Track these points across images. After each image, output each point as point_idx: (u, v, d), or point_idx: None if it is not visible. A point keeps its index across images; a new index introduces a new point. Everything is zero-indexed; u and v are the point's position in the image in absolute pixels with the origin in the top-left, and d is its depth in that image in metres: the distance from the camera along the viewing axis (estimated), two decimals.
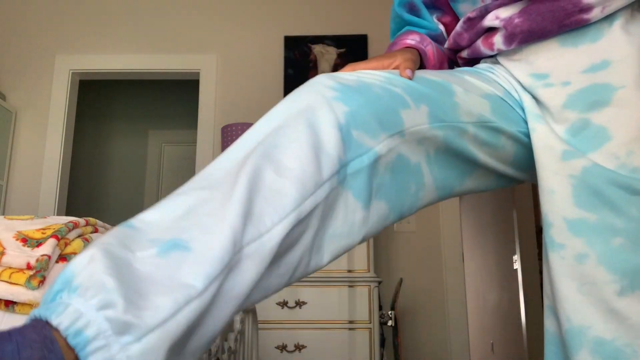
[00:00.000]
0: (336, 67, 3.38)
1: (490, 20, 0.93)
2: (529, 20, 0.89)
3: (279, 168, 0.65)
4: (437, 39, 1.07)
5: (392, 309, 2.72)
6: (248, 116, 3.31)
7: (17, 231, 0.96)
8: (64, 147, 3.37)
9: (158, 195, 4.96)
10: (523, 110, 0.92)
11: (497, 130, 0.88)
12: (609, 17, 0.87)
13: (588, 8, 0.85)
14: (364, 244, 2.62)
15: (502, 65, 0.96)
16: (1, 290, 0.86)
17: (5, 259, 0.89)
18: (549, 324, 0.88)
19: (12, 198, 3.29)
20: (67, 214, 3.98)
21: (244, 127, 3.05)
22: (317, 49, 3.42)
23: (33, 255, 0.89)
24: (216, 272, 0.57)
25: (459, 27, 1.00)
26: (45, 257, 0.89)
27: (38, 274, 0.87)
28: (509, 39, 0.92)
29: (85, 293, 0.53)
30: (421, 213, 3.20)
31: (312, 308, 2.56)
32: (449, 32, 1.10)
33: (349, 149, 0.70)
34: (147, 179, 4.99)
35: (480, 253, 5.03)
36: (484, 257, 4.95)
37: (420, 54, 0.99)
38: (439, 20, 1.10)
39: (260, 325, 2.46)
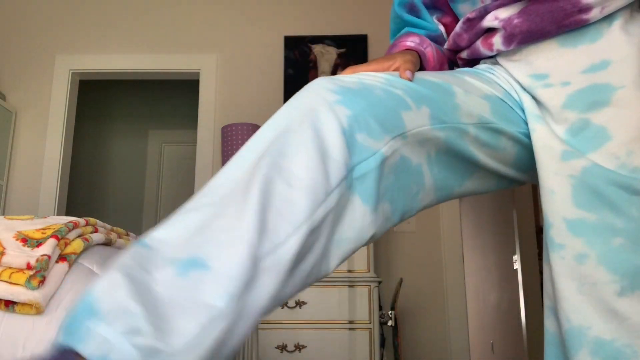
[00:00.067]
0: (336, 67, 3.38)
1: (489, 21, 0.93)
2: (528, 21, 0.89)
3: (289, 178, 0.65)
4: (437, 40, 1.07)
5: (392, 309, 2.72)
6: (248, 116, 3.31)
7: (17, 231, 0.96)
8: (64, 147, 3.36)
9: (158, 195, 4.96)
10: (523, 111, 0.92)
11: (497, 131, 0.88)
12: (608, 18, 0.87)
13: (587, 8, 0.85)
14: None
15: (501, 66, 0.96)
16: (1, 290, 0.86)
17: (5, 259, 0.89)
18: (549, 324, 0.88)
19: (12, 198, 3.29)
20: (67, 214, 3.98)
21: (244, 127, 3.05)
22: (317, 49, 3.42)
23: (33, 255, 0.89)
24: (236, 290, 0.57)
25: (458, 27, 1.00)
26: (45, 257, 0.89)
27: (38, 274, 0.87)
28: (508, 39, 0.92)
29: (111, 320, 0.53)
30: (421, 213, 3.19)
31: (312, 308, 2.56)
32: (449, 32, 1.10)
33: (354, 153, 0.70)
34: (147, 179, 4.99)
35: (480, 253, 5.03)
36: (484, 257, 4.95)
37: (419, 56, 0.99)
38: (439, 20, 1.10)
39: (260, 325, 2.46)
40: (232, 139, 3.04)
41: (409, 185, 0.79)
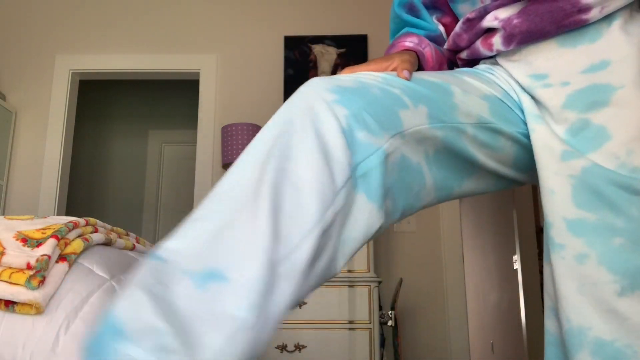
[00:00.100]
0: (336, 67, 3.38)
1: (489, 21, 0.93)
2: (528, 21, 0.89)
3: (296, 182, 0.65)
4: (437, 40, 1.07)
5: (392, 309, 2.72)
6: (248, 116, 3.31)
7: (17, 231, 0.96)
8: (64, 147, 3.37)
9: (158, 195, 4.96)
10: (522, 111, 0.92)
11: (496, 131, 0.88)
12: (608, 18, 0.87)
13: (586, 8, 0.85)
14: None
15: (501, 66, 0.96)
16: (1, 290, 0.86)
17: (5, 259, 0.89)
18: (550, 324, 0.87)
19: (12, 198, 3.29)
20: (67, 214, 3.98)
21: (244, 127, 3.05)
22: (317, 49, 3.42)
23: (33, 255, 0.89)
24: (257, 299, 0.58)
25: (458, 28, 1.00)
26: (45, 257, 0.89)
27: (38, 274, 0.87)
28: (508, 39, 0.92)
29: (138, 339, 0.53)
30: (421, 213, 3.20)
31: (312, 308, 2.56)
32: (448, 32, 1.09)
33: (356, 152, 0.70)
34: (147, 179, 4.99)
35: (480, 253, 5.03)
36: (484, 257, 4.95)
37: (418, 56, 0.99)
38: (438, 21, 1.10)
39: None
40: (232, 139, 3.04)
41: (411, 184, 0.79)
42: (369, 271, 2.62)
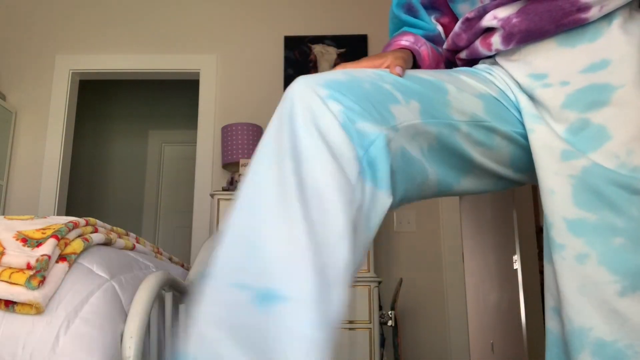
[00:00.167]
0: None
1: (488, 21, 0.93)
2: (527, 20, 0.89)
3: (316, 187, 0.66)
4: (435, 40, 1.07)
5: (392, 309, 2.71)
6: (248, 116, 3.31)
7: (17, 231, 0.96)
8: (64, 147, 3.37)
9: (158, 195, 4.96)
10: (519, 111, 0.92)
11: (490, 130, 0.88)
12: (608, 17, 0.87)
13: (586, 7, 0.85)
14: None
15: (500, 65, 0.96)
16: (1, 290, 0.86)
17: (5, 259, 0.89)
18: (552, 325, 0.87)
19: (12, 198, 3.29)
20: (67, 214, 3.98)
21: (244, 127, 3.05)
22: (317, 49, 3.42)
23: (33, 255, 0.89)
24: (319, 313, 0.60)
25: (457, 27, 1.00)
26: (45, 257, 0.89)
27: (38, 274, 0.87)
28: (507, 39, 0.91)
29: None
30: (421, 213, 3.20)
31: None
32: (447, 33, 1.09)
33: (358, 144, 0.71)
34: (147, 179, 4.99)
35: (480, 253, 5.03)
36: (484, 257, 4.95)
37: (414, 55, 0.99)
38: (437, 21, 1.10)
39: None
40: (232, 139, 3.04)
41: (414, 174, 0.79)
42: (369, 271, 2.62)
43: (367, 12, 3.47)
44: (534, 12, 0.88)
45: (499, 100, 0.91)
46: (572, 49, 0.88)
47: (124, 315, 0.90)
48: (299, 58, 3.40)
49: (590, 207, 0.81)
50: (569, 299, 0.81)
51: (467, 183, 0.90)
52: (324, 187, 0.66)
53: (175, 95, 5.08)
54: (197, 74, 3.45)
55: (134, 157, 5.03)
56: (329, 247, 0.63)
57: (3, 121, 3.27)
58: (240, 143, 3.03)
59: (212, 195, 2.79)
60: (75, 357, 0.82)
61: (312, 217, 0.64)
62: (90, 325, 0.85)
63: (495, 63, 0.97)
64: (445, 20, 1.10)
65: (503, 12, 0.91)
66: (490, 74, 0.95)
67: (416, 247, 3.16)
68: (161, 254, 1.36)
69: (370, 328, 2.54)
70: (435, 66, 1.04)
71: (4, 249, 0.91)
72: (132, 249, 1.19)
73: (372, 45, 3.41)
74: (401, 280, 2.85)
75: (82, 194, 4.88)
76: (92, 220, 1.09)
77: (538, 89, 0.90)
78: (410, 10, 1.09)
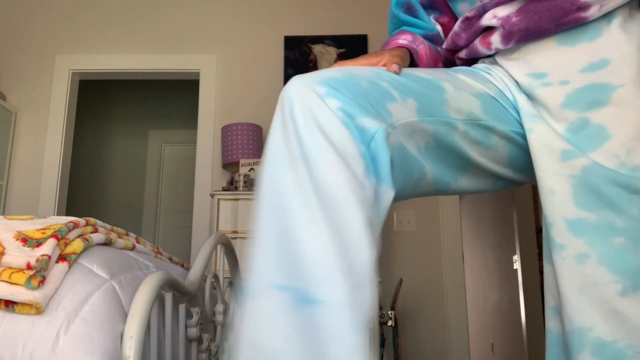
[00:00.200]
0: None
1: (487, 20, 0.93)
2: (526, 19, 0.89)
3: (330, 190, 0.67)
4: (434, 39, 1.07)
5: (392, 309, 2.71)
6: (248, 116, 3.31)
7: (17, 231, 0.96)
8: (64, 147, 3.37)
9: (158, 195, 4.96)
10: (517, 111, 0.92)
11: (487, 129, 0.88)
12: (607, 16, 0.86)
13: (585, 6, 0.85)
14: None
15: (500, 65, 0.96)
16: (1, 290, 0.86)
17: (5, 259, 0.89)
18: (552, 325, 0.87)
19: (12, 198, 3.29)
20: (67, 214, 3.98)
21: (244, 127, 3.05)
22: (317, 49, 3.42)
23: (33, 255, 0.89)
24: (356, 318, 0.63)
25: (456, 27, 1.00)
26: (45, 257, 0.89)
27: (38, 274, 0.87)
28: (507, 37, 0.91)
29: None
30: (421, 213, 3.20)
31: None
32: (447, 32, 1.09)
33: (360, 141, 0.71)
34: (147, 179, 4.99)
35: (480, 253, 5.03)
36: (484, 257, 4.95)
37: (411, 53, 0.99)
38: (436, 20, 1.10)
39: None
40: (232, 139, 3.04)
41: (411, 171, 0.79)
42: None
43: (367, 12, 3.47)
44: (534, 11, 0.88)
45: (496, 100, 0.91)
46: (571, 48, 0.88)
47: (124, 315, 0.90)
48: (299, 58, 3.40)
49: (590, 207, 0.81)
50: (569, 299, 0.81)
51: (464, 182, 0.90)
52: (336, 188, 0.67)
53: (175, 95, 5.08)
54: (197, 74, 3.45)
55: (134, 157, 5.03)
56: (352, 249, 0.65)
57: (3, 121, 3.27)
58: (240, 143, 3.03)
59: (212, 195, 2.79)
60: (75, 357, 0.82)
61: (333, 219, 0.66)
62: (90, 325, 0.85)
63: (495, 62, 0.97)
64: (445, 19, 1.11)
65: (502, 11, 0.91)
66: (488, 73, 0.95)
67: (416, 247, 3.16)
68: (161, 254, 1.36)
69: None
70: (434, 65, 1.04)
71: (4, 249, 0.91)
72: (132, 249, 1.19)
73: (372, 45, 3.41)
74: (401, 280, 2.85)
75: (82, 194, 4.87)
76: (92, 220, 1.09)
77: (538, 88, 0.89)
78: (410, 10, 1.09)
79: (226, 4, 3.54)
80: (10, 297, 0.86)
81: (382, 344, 2.66)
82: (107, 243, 1.09)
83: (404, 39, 1.01)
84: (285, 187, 0.68)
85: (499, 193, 4.45)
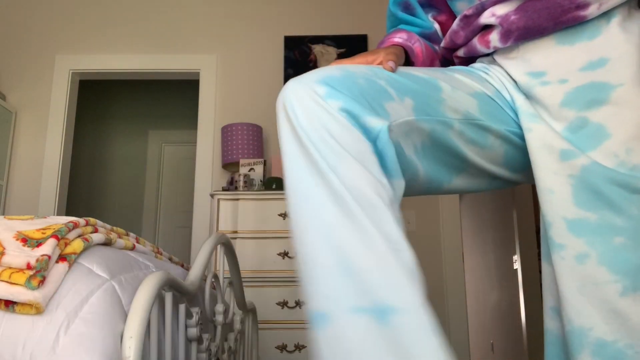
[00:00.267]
0: None
1: (486, 18, 0.93)
2: (525, 17, 0.89)
3: (362, 193, 0.68)
4: (431, 38, 1.07)
5: None
6: (248, 116, 3.31)
7: (17, 231, 0.96)
8: (64, 147, 3.37)
9: (158, 195, 4.96)
10: (514, 111, 0.92)
11: (484, 129, 0.88)
12: (606, 15, 0.86)
13: (584, 5, 0.85)
14: None
15: (498, 63, 0.96)
16: (1, 290, 0.86)
17: (5, 259, 0.89)
18: (551, 324, 0.87)
19: (12, 198, 3.29)
20: (67, 214, 3.98)
21: (244, 127, 3.05)
22: (317, 49, 3.42)
23: (33, 255, 0.89)
24: (429, 318, 0.65)
25: (455, 25, 1.00)
26: (45, 257, 0.89)
27: (38, 274, 0.87)
28: (505, 36, 0.91)
29: None
30: (421, 213, 3.20)
31: None
32: (445, 31, 1.10)
33: (368, 139, 0.72)
34: (147, 179, 4.99)
35: (480, 253, 5.03)
36: (484, 257, 4.95)
37: (407, 52, 0.99)
38: (434, 19, 1.11)
39: (260, 325, 2.46)
40: (232, 139, 3.04)
41: (405, 171, 0.80)
42: None
43: (367, 12, 3.47)
44: (533, 9, 0.88)
45: (493, 100, 0.91)
46: (570, 46, 0.88)
47: (124, 315, 0.90)
48: (299, 58, 3.40)
49: (590, 206, 0.81)
50: (568, 299, 0.81)
51: (459, 181, 0.90)
52: (366, 191, 0.68)
53: (175, 95, 5.08)
54: (197, 74, 3.45)
55: (134, 157, 5.03)
56: (400, 251, 0.67)
57: (3, 121, 3.27)
58: (240, 143, 3.03)
59: (212, 195, 2.79)
60: (75, 357, 0.82)
61: (375, 223, 0.66)
62: (90, 325, 0.85)
63: (493, 61, 0.97)
64: (443, 18, 1.11)
65: (501, 10, 0.91)
66: (486, 73, 0.95)
67: (416, 247, 3.14)
68: (161, 254, 1.36)
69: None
70: (430, 63, 1.04)
71: (4, 249, 0.91)
72: (132, 249, 1.19)
73: (372, 45, 3.41)
74: None
75: (82, 194, 4.87)
76: (92, 220, 1.09)
77: (536, 87, 0.89)
78: (407, 8, 1.10)
79: (226, 4, 3.54)
80: (10, 297, 0.86)
81: None
82: (107, 243, 1.09)
83: (399, 38, 1.01)
84: (320, 203, 0.68)
85: (499, 193, 4.45)
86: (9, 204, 3.28)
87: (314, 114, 0.71)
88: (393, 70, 0.83)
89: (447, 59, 1.09)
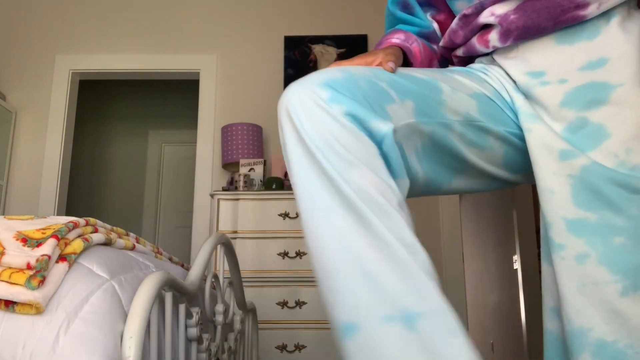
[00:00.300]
0: None
1: (485, 17, 0.93)
2: (525, 17, 0.89)
3: (373, 201, 0.68)
4: (429, 37, 1.07)
5: None
6: (248, 116, 3.31)
7: (17, 231, 0.96)
8: (64, 147, 3.37)
9: (158, 195, 4.96)
10: (514, 112, 0.92)
11: (483, 130, 0.88)
12: (606, 15, 0.86)
13: (584, 4, 0.85)
14: None
15: (497, 63, 0.96)
16: (1, 290, 0.86)
17: (5, 259, 0.89)
18: (550, 324, 0.87)
19: (12, 198, 3.29)
20: (67, 214, 3.98)
21: (244, 127, 3.05)
22: (317, 49, 3.42)
23: (33, 255, 0.89)
24: (454, 319, 0.67)
25: (454, 24, 1.00)
26: (45, 257, 0.89)
27: (38, 274, 0.87)
28: (505, 35, 0.91)
29: None
30: (421, 213, 3.20)
31: (312, 308, 2.56)
32: (443, 30, 1.09)
33: (374, 142, 0.72)
34: (147, 179, 4.99)
35: (480, 253, 5.03)
36: (484, 257, 4.95)
37: (405, 52, 0.99)
38: (433, 18, 1.10)
39: (260, 325, 2.46)
40: (232, 139, 3.04)
41: (406, 172, 0.80)
42: None
43: (367, 12, 3.47)
44: (532, 9, 0.88)
45: (493, 101, 0.91)
46: (570, 46, 0.88)
47: (124, 315, 0.90)
48: (299, 58, 3.40)
49: (589, 206, 0.81)
50: (568, 299, 0.81)
51: (458, 182, 0.91)
52: (378, 197, 0.68)
53: (175, 95, 5.08)
54: (197, 74, 3.45)
55: (134, 157, 5.03)
56: (416, 254, 0.68)
57: (3, 121, 3.27)
58: (240, 143, 3.03)
59: (212, 195, 2.79)
60: (75, 357, 0.82)
61: (390, 229, 0.67)
62: (90, 325, 0.85)
63: (492, 61, 0.97)
64: (442, 17, 1.11)
65: (501, 9, 0.91)
66: (485, 73, 0.95)
67: None
68: (161, 254, 1.36)
69: None
70: (428, 63, 1.04)
71: (4, 249, 0.91)
72: (132, 249, 1.19)
73: (372, 45, 3.41)
74: None
75: (82, 194, 4.87)
76: (92, 220, 1.09)
77: (536, 87, 0.89)
78: (406, 8, 1.10)
79: (226, 4, 3.54)
80: (10, 297, 0.86)
81: None
82: (107, 243, 1.09)
83: (396, 38, 1.01)
84: (334, 214, 0.69)
85: (499, 193, 4.45)
86: (9, 204, 3.28)
87: (319, 119, 0.70)
88: (393, 71, 0.83)
89: (445, 58, 1.09)
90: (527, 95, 0.91)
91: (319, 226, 0.69)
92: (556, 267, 0.83)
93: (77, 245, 0.97)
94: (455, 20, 1.00)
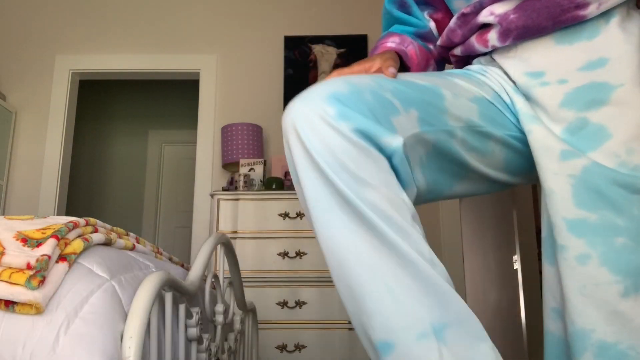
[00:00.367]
0: (336, 67, 3.37)
1: (485, 16, 0.93)
2: (524, 16, 0.88)
3: (390, 218, 0.70)
4: (426, 37, 1.07)
5: None
6: (248, 116, 3.31)
7: (17, 231, 0.96)
8: (64, 147, 3.37)
9: (158, 195, 4.96)
10: (513, 114, 0.91)
11: (484, 135, 0.88)
12: (606, 15, 0.86)
13: (584, 4, 0.85)
14: None
15: (496, 63, 0.95)
16: (1, 290, 0.86)
17: (5, 259, 0.89)
18: (552, 326, 0.87)
19: (12, 198, 3.29)
20: (67, 214, 3.98)
21: (244, 127, 3.05)
22: (317, 49, 3.42)
23: (33, 255, 0.89)
24: (481, 327, 0.71)
25: (452, 23, 1.00)
26: (45, 257, 0.89)
27: (38, 274, 0.87)
28: (504, 35, 0.91)
29: None
30: (421, 213, 3.19)
31: (312, 308, 2.56)
32: (441, 29, 1.09)
33: (386, 154, 0.73)
34: (147, 179, 4.99)
35: (480, 253, 5.03)
36: (484, 257, 4.95)
37: (401, 56, 0.99)
38: (430, 16, 1.10)
39: (260, 325, 2.46)
40: (232, 139, 3.04)
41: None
42: None
43: (367, 12, 3.47)
44: (532, 8, 0.88)
45: (493, 104, 0.91)
46: (569, 46, 0.87)
47: (124, 315, 0.90)
48: (299, 58, 3.40)
49: (590, 207, 0.81)
50: (570, 300, 0.81)
51: (459, 187, 0.91)
52: (393, 214, 0.70)
53: (175, 95, 5.08)
54: (197, 74, 3.45)
55: (134, 157, 5.03)
56: (436, 266, 0.71)
57: (3, 121, 3.27)
58: (240, 143, 3.03)
59: (212, 195, 2.79)
60: (75, 357, 0.82)
61: (410, 245, 0.69)
62: (90, 325, 0.85)
63: (491, 60, 0.96)
64: (439, 16, 1.10)
65: (500, 8, 0.91)
66: (484, 75, 0.95)
67: None
68: (161, 254, 1.36)
69: None
70: (425, 64, 1.04)
71: (4, 249, 0.91)
72: (132, 249, 1.19)
73: (372, 45, 3.41)
74: None
75: (82, 194, 4.87)
76: (92, 220, 1.09)
77: (535, 88, 0.89)
78: (403, 6, 1.09)
79: (226, 4, 3.54)
80: (10, 297, 0.86)
81: None
82: (107, 243, 1.09)
83: (392, 42, 1.01)
84: (355, 236, 0.69)
85: (499, 193, 4.45)
86: (9, 204, 3.28)
87: (328, 138, 0.70)
88: (394, 77, 0.83)
89: (443, 58, 1.09)
90: (527, 96, 0.91)
91: (340, 248, 0.70)
92: (560, 267, 0.83)
93: (77, 245, 0.97)
94: (454, 19, 0.99)
